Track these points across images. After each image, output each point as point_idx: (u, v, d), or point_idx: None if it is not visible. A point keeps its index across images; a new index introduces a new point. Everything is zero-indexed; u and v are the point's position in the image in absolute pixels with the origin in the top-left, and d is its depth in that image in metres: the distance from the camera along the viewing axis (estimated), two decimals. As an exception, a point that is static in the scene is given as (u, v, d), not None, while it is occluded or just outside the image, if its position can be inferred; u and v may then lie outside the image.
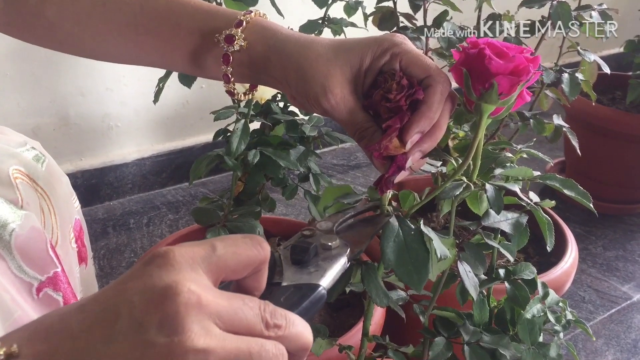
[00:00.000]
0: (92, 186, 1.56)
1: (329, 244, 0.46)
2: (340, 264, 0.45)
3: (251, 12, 0.56)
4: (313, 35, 0.56)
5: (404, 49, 0.50)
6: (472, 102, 0.48)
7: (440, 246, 0.48)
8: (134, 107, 1.57)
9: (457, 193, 0.50)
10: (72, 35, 0.59)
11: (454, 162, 0.53)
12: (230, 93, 0.57)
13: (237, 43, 0.53)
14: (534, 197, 0.66)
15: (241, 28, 0.54)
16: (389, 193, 0.51)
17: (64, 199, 0.60)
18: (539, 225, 0.64)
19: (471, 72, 0.47)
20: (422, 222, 0.49)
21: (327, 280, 0.42)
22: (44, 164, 0.58)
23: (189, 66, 0.58)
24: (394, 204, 0.54)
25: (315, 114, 0.88)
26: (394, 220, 0.49)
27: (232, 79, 0.55)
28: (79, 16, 0.57)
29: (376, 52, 0.51)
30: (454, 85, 0.50)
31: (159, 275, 0.32)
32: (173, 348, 0.30)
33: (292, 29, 0.90)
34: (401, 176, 0.49)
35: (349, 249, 0.46)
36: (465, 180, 0.51)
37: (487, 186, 0.51)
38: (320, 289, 0.41)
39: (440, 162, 0.53)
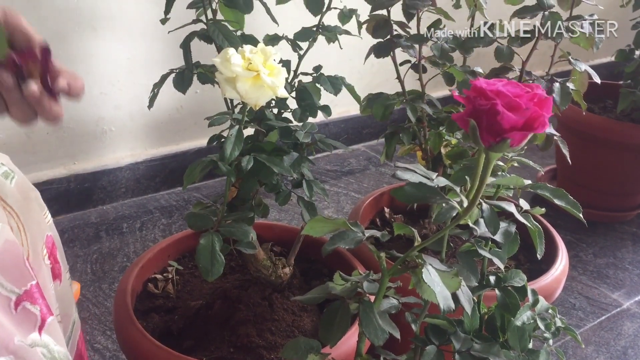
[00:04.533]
0: (85, 190, 1.56)
1: None
2: None
3: None
4: None
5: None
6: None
7: (443, 295, 0.49)
8: (129, 111, 1.57)
9: (454, 214, 0.51)
10: None
11: (457, 205, 0.53)
12: None
13: None
14: (524, 205, 0.67)
15: None
16: None
17: (34, 215, 0.58)
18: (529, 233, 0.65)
19: (479, 121, 0.45)
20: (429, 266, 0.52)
21: None
22: (13, 180, 0.57)
23: None
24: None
25: (308, 122, 0.89)
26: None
27: None
28: None
29: None
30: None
31: None
32: None
33: (285, 36, 0.91)
34: None
35: None
36: (460, 208, 0.51)
37: (484, 206, 0.51)
38: None
39: (435, 175, 0.53)
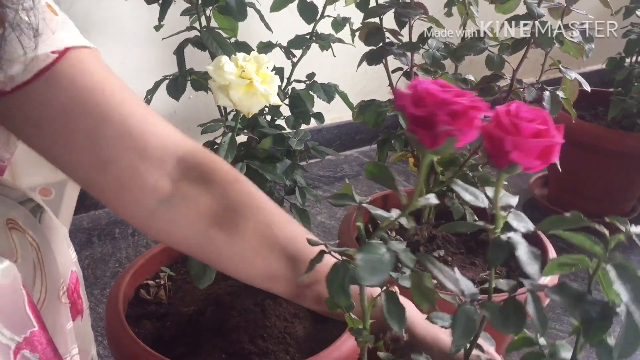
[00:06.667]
0: (78, 195, 1.56)
1: None
2: None
3: None
4: None
5: None
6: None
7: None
8: (121, 116, 1.57)
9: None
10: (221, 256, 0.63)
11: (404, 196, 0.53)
12: None
13: None
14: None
15: None
16: None
17: (58, 252, 0.58)
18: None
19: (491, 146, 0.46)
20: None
21: None
22: (41, 216, 0.57)
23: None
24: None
25: (301, 129, 0.90)
26: None
27: None
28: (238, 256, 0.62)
29: None
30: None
31: None
32: None
33: (279, 43, 0.92)
34: None
35: None
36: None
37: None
38: None
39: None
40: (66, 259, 0.60)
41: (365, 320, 0.58)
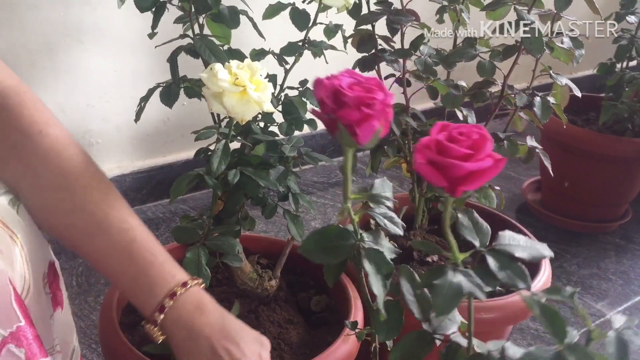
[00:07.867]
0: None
1: None
2: None
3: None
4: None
5: None
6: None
7: None
8: (116, 123, 1.57)
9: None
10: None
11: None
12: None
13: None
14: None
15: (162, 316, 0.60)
16: None
17: (38, 242, 0.58)
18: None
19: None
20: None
21: None
22: (19, 207, 0.57)
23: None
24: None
25: (295, 135, 0.90)
26: None
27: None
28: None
29: None
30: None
31: None
32: None
33: (272, 50, 0.92)
34: None
35: None
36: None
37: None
38: None
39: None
40: (45, 248, 0.60)
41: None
